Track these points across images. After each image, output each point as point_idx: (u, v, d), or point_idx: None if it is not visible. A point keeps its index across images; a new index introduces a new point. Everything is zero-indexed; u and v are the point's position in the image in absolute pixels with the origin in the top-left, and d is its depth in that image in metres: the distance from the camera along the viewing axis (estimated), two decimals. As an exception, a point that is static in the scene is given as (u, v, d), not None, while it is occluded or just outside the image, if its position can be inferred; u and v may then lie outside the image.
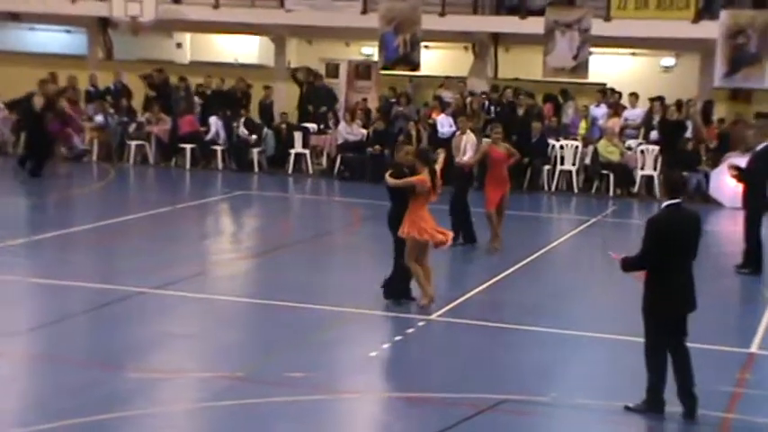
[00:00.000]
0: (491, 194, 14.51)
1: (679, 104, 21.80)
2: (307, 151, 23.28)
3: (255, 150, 23.18)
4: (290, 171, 23.12)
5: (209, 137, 23.46)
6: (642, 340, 8.12)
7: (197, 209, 18.45)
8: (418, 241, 11.05)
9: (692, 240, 7.87)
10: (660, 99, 22.21)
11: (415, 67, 24.38)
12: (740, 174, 13.65)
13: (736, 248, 14.01)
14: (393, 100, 23.90)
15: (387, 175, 11.32)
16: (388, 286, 11.45)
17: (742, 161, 14.59)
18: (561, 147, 21.71)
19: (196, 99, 24.68)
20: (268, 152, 23.58)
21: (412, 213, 11.08)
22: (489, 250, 14.26)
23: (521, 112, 22.12)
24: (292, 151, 23.19)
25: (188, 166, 23.29)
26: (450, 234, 11.54)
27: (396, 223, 11.22)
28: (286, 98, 25.13)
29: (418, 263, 11.19)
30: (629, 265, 8.04)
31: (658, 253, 7.70)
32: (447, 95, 23.57)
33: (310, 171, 23.24)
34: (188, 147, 23.34)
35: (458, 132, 15.71)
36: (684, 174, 19.72)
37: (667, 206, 7.83)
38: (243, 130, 23.12)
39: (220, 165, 23.33)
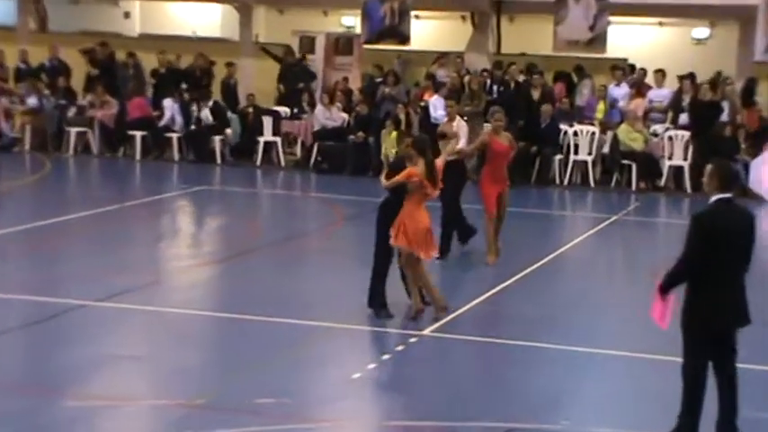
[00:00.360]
0: (489, 195, 14.11)
1: (713, 83, 21.89)
2: (278, 139, 23.29)
3: (218, 138, 23.18)
4: (258, 162, 23.12)
5: (162, 122, 23.46)
6: (669, 359, 8.12)
7: (149, 207, 18.42)
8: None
9: (744, 242, 7.75)
10: (691, 77, 22.30)
11: (405, 40, 24.41)
12: None
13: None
14: (379, 79, 23.92)
15: (382, 177, 11.50)
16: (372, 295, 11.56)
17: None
18: (575, 133, 21.78)
19: (147, 78, 24.66)
20: (232, 140, 23.58)
21: (404, 215, 11.11)
22: (486, 263, 14.14)
23: (536, 94, 22.12)
24: (261, 139, 23.20)
25: (138, 156, 23.26)
26: (433, 253, 11.49)
27: (384, 218, 11.29)
28: (253, 77, 25.11)
29: (416, 268, 11.28)
30: (668, 280, 7.78)
31: (704, 256, 7.62)
32: (441, 74, 23.60)
33: (282, 162, 23.24)
34: (138, 134, 23.33)
35: (445, 119, 15.54)
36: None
37: (717, 201, 7.75)
38: (207, 115, 23.09)
39: (176, 155, 23.33)
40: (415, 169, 11.07)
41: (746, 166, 20.59)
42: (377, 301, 11.50)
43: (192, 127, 23.21)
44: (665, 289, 7.82)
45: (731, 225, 7.68)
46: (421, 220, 11.14)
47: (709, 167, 7.89)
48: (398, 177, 11.13)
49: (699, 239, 7.61)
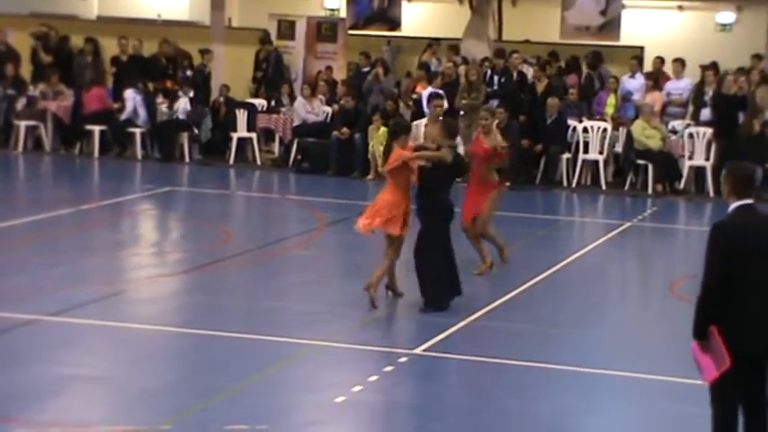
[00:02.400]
0: (467, 202, 14.29)
1: (740, 74, 21.95)
2: (253, 135, 23.32)
3: (186, 135, 23.20)
4: (231, 161, 23.13)
5: (124, 116, 23.45)
6: (686, 382, 8.15)
7: (109, 210, 18.42)
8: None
9: None
10: (714, 67, 22.37)
11: (395, 25, 24.49)
12: None
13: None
14: (366, 69, 23.95)
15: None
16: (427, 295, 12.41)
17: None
18: (585, 130, 21.85)
19: (107, 67, 24.66)
20: (203, 137, 23.60)
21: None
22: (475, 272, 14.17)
23: (541, 86, 22.18)
24: (234, 135, 23.22)
25: (96, 153, 23.25)
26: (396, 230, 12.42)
27: (422, 212, 12.42)
28: (226, 66, 25.14)
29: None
30: (698, 321, 7.51)
31: (727, 271, 7.59)
32: (435, 63, 23.65)
33: (258, 161, 23.26)
34: (96, 129, 23.31)
35: (425, 120, 15.40)
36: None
37: (737, 208, 7.73)
38: (185, 106, 23.05)
39: (140, 152, 23.33)
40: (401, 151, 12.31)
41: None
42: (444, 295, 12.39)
43: (159, 120, 23.23)
44: (699, 334, 7.58)
45: (756, 235, 7.64)
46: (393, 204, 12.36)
47: (722, 171, 7.87)
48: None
49: (719, 253, 7.59)
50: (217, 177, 22.12)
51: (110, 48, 24.82)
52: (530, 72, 22.87)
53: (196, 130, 23.23)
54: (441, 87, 22.05)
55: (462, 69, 22.47)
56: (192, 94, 23.31)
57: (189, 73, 24.18)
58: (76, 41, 24.91)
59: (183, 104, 23.20)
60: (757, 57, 22.59)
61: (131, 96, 23.41)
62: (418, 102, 22.00)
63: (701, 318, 7.56)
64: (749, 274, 7.60)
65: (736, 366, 7.57)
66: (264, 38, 24.86)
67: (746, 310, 7.59)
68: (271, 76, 24.50)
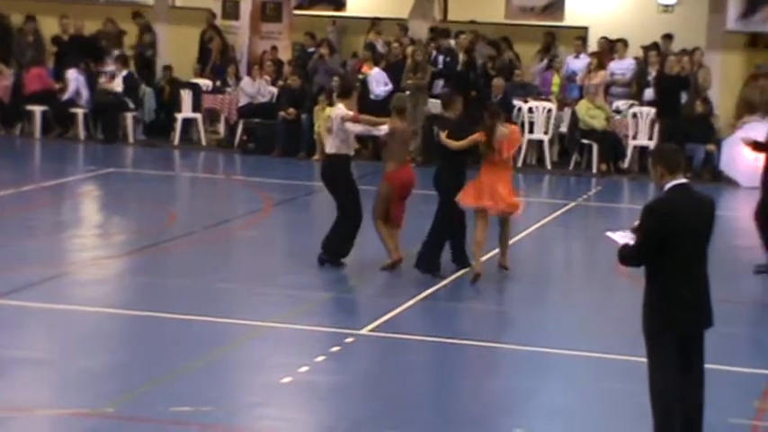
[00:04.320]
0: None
1: (683, 54, 22.07)
2: (198, 116, 23.20)
3: (130, 115, 23.01)
4: (176, 142, 23.01)
5: (66, 96, 23.24)
6: (632, 359, 8.17)
7: (51, 192, 18.25)
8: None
9: (703, 233, 7.73)
10: (657, 47, 22.48)
11: (340, 5, 24.36)
12: (758, 145, 13.85)
13: (752, 241, 14.23)
14: (311, 49, 23.87)
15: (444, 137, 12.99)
16: (422, 258, 12.94)
17: (761, 128, 14.80)
18: (530, 110, 21.89)
19: (48, 46, 24.38)
20: (147, 117, 23.43)
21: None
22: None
23: (490, 64, 22.22)
24: (179, 116, 23.09)
25: (38, 134, 23.03)
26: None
27: (442, 184, 13.05)
28: (170, 46, 24.94)
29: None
30: (626, 255, 7.82)
31: (659, 249, 7.59)
32: (381, 43, 23.59)
33: (203, 142, 23.15)
34: (37, 109, 23.09)
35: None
36: (690, 145, 20.12)
37: (672, 188, 7.72)
38: (116, 87, 22.88)
39: (82, 133, 23.14)
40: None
41: (719, 147, 20.81)
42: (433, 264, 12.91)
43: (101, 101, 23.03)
44: (621, 261, 7.89)
45: (689, 215, 7.61)
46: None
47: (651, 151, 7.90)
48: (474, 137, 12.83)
49: (653, 232, 7.58)
50: (161, 158, 21.99)
51: (51, 27, 24.53)
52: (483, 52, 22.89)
53: (132, 106, 22.98)
54: (387, 68, 22.02)
55: (409, 50, 22.44)
56: (125, 72, 23.09)
57: (120, 52, 23.94)
58: (16, 20, 24.59)
59: (118, 82, 23.02)
60: (667, 36, 22.75)
61: (74, 77, 23.19)
62: (364, 82, 21.93)
63: (627, 262, 7.85)
64: (683, 254, 7.61)
65: (676, 345, 7.61)
66: (210, 18, 24.71)
67: (680, 290, 7.62)
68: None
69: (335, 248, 13.26)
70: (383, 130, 13.30)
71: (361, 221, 13.31)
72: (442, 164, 13.37)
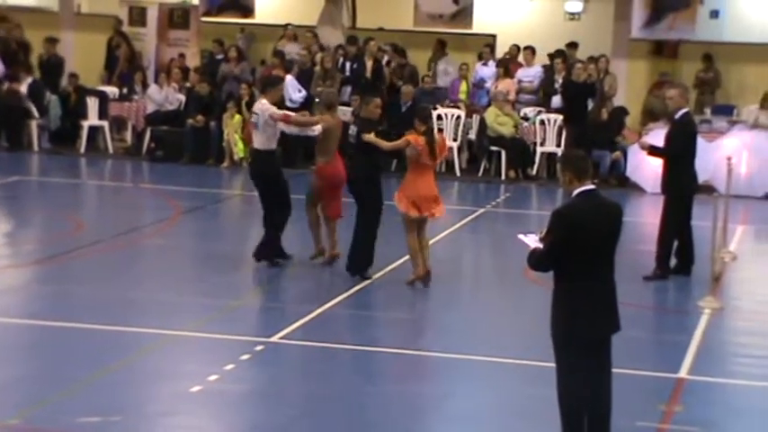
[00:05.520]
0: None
1: (589, 62, 22.32)
2: (105, 123, 23.01)
3: (34, 122, 22.73)
4: (82, 150, 22.80)
5: (-32, 104, 22.87)
6: (543, 365, 8.23)
7: (-45, 201, 17.97)
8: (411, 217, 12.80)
9: (610, 239, 7.78)
10: (563, 54, 22.73)
11: (248, 13, 24.28)
12: (656, 151, 14.07)
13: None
14: (219, 56, 23.78)
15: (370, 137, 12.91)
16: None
17: (663, 135, 15.00)
18: (439, 117, 21.98)
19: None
20: (52, 125, 23.16)
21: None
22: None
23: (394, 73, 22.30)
24: (85, 124, 22.88)
25: (-59, 142, 22.67)
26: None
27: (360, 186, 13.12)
28: (76, 53, 24.68)
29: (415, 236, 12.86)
30: (535, 261, 7.88)
31: (566, 255, 7.64)
32: (291, 51, 23.56)
33: (110, 150, 22.95)
34: (-59, 117, 22.71)
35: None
36: (597, 151, 20.36)
37: (580, 194, 7.77)
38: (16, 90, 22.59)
39: (-14, 141, 22.83)
40: (418, 138, 12.65)
41: (625, 153, 21.08)
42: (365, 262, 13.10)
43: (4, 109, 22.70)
44: (530, 265, 7.96)
45: (596, 221, 7.68)
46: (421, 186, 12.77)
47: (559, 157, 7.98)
48: (400, 142, 12.84)
49: (560, 238, 7.63)
50: (67, 166, 21.76)
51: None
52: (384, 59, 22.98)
53: (36, 113, 22.70)
54: (297, 75, 22.03)
55: (318, 57, 22.46)
56: (29, 79, 22.82)
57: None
58: None
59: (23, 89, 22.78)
60: (573, 45, 23.08)
61: (-25, 83, 22.87)
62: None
63: (535, 266, 7.94)
64: (590, 258, 7.69)
65: (583, 351, 7.69)
66: (117, 25, 24.53)
67: (586, 295, 7.70)
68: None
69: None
70: (317, 130, 13.43)
71: (289, 216, 13.47)
72: (358, 165, 13.24)
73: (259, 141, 13.40)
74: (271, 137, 13.40)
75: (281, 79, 13.99)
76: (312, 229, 13.92)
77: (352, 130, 13.33)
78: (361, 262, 13.23)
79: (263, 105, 13.40)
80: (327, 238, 13.89)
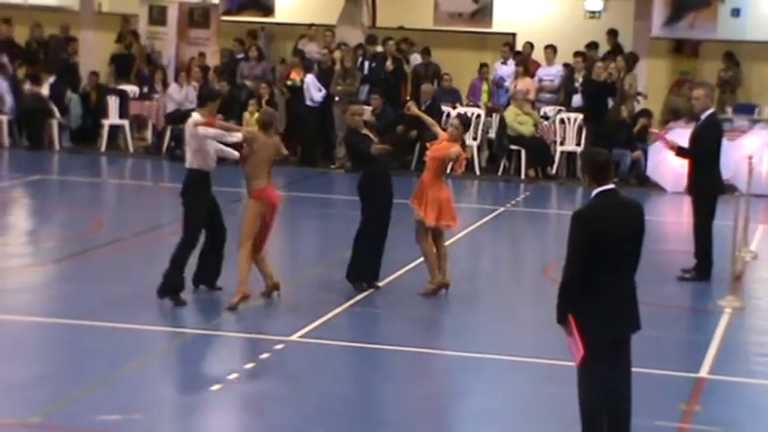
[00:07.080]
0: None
1: (609, 60, 22.26)
2: (125, 122, 23.03)
3: (55, 121, 22.80)
4: (102, 149, 22.83)
5: (-10, 103, 22.99)
6: (562, 364, 8.23)
7: (-24, 200, 18.06)
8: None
9: (632, 240, 7.71)
10: (584, 54, 22.68)
11: (268, 11, 24.31)
12: (682, 152, 14.00)
13: (679, 246, 14.41)
14: (239, 56, 23.80)
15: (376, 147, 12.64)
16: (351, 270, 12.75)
17: (685, 134, 14.97)
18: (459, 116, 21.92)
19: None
20: (73, 124, 23.23)
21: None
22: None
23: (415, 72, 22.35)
24: (106, 122, 22.90)
25: (-39, 141, 22.79)
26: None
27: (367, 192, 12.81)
28: (96, 52, 24.75)
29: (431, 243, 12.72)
30: (560, 309, 7.59)
31: (588, 258, 7.56)
32: (311, 50, 23.60)
33: (130, 148, 22.99)
34: (-38, 116, 22.83)
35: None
36: (617, 150, 20.31)
37: (598, 194, 7.73)
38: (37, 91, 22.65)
39: (7, 140, 22.90)
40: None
41: (646, 153, 21.02)
42: (366, 274, 12.73)
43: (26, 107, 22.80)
44: (561, 320, 7.65)
45: (617, 221, 7.64)
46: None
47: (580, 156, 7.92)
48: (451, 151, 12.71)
49: (581, 240, 7.58)
50: (88, 165, 21.83)
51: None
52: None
53: (58, 113, 22.78)
54: (318, 74, 22.07)
55: (337, 55, 22.47)
56: (51, 79, 22.90)
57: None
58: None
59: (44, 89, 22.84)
60: (592, 45, 23.05)
61: (-4, 83, 22.97)
62: (293, 88, 21.97)
63: (563, 304, 7.60)
64: (610, 259, 7.62)
65: (599, 351, 7.62)
66: (124, 26, 24.66)
67: (606, 295, 7.63)
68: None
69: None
70: (236, 137, 12.24)
71: (225, 242, 12.67)
72: (366, 172, 12.99)
73: (187, 159, 12.26)
74: (197, 152, 12.05)
75: (220, 94, 12.71)
76: (243, 270, 12.08)
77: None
78: (359, 273, 12.82)
79: (192, 119, 12.15)
80: (261, 273, 12.47)
